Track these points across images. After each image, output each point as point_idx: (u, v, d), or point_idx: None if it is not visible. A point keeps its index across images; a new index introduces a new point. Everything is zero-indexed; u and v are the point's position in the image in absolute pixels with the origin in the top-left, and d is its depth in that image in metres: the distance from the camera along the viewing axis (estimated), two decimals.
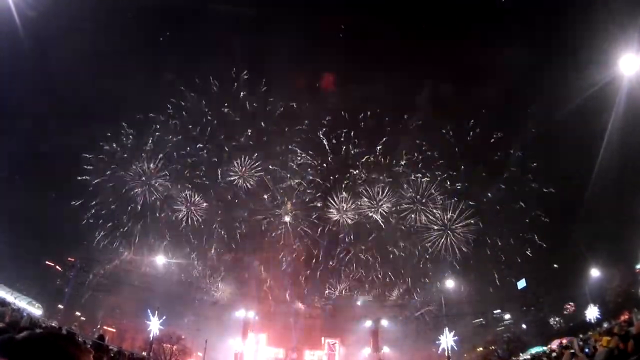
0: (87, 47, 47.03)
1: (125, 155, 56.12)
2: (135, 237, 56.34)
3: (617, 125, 40.63)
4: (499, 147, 55.53)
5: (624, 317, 40.37)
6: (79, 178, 53.89)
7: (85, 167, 54.18)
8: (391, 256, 58.44)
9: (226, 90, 56.67)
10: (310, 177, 59.58)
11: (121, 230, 55.67)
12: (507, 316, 60.72)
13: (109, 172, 55.15)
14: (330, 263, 59.95)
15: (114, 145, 55.38)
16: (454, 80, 54.34)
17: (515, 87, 51.18)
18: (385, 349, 58.55)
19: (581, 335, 37.29)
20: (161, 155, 56.69)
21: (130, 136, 55.91)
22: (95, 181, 54.44)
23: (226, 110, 57.18)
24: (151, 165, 56.54)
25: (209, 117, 56.97)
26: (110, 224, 55.26)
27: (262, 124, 57.87)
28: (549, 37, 46.35)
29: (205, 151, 57.39)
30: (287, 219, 60.96)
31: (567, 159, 48.19)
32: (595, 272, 49.23)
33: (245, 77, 56.07)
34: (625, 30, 32.79)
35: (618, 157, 41.86)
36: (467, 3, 50.01)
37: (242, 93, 56.99)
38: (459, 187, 56.72)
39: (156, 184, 56.79)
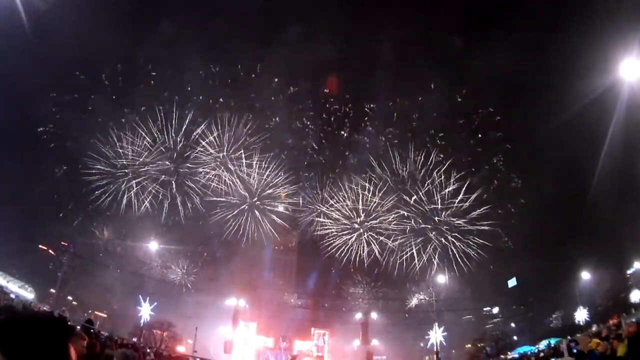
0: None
1: (123, 137, 55.35)
2: (128, 222, 56.07)
3: (618, 131, 40.67)
4: (497, 150, 55.77)
5: (613, 321, 40.87)
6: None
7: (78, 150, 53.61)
8: (382, 250, 58.54)
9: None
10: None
11: (115, 214, 55.36)
12: (496, 310, 61.24)
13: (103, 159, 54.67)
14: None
15: (114, 129, 54.64)
16: (452, 84, 54.45)
17: (515, 92, 51.37)
18: (375, 342, 58.95)
19: (569, 337, 37.60)
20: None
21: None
22: (91, 165, 53.91)
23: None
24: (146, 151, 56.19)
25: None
26: (103, 207, 54.90)
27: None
28: (549, 42, 46.26)
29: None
30: (280, 208, 60.87)
31: (567, 164, 48.33)
32: (586, 275, 49.65)
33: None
34: (625, 35, 32.69)
35: (618, 162, 41.95)
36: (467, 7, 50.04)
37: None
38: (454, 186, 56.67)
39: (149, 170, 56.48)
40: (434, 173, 56.15)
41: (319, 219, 59.30)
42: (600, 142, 42.66)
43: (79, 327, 24.29)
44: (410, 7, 52.97)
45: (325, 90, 60.04)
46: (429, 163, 56.03)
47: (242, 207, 58.26)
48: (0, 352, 2.19)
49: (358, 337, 57.23)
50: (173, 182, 56.70)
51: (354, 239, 58.82)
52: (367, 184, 57.56)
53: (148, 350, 32.94)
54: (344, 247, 58.56)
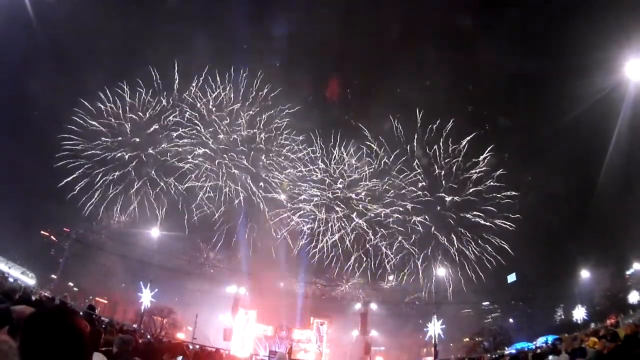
0: None
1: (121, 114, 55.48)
2: (129, 207, 56.16)
3: (623, 131, 40.48)
4: (500, 149, 55.45)
5: (611, 320, 40.98)
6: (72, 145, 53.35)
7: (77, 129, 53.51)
8: (382, 241, 58.60)
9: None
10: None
11: (116, 201, 55.46)
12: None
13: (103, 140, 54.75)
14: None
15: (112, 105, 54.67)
16: (454, 82, 54.06)
17: (519, 92, 51.03)
18: (373, 333, 59.28)
19: (567, 335, 37.71)
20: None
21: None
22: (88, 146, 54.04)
23: None
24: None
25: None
26: (104, 192, 54.95)
27: None
28: (553, 42, 45.87)
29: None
30: (283, 196, 60.79)
31: (571, 162, 48.15)
32: (585, 274, 49.78)
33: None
34: (630, 35, 32.52)
35: (622, 162, 41.82)
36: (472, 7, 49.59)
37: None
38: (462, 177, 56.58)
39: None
40: (441, 162, 56.43)
41: (319, 209, 59.63)
42: (605, 142, 42.54)
43: (81, 313, 24.61)
44: None
45: (330, 74, 59.65)
46: (434, 149, 56.25)
47: (242, 195, 58.56)
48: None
49: (357, 327, 57.51)
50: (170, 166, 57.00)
51: (351, 228, 59.19)
52: (369, 171, 58.05)
53: (148, 337, 33.24)
54: (344, 236, 58.97)
